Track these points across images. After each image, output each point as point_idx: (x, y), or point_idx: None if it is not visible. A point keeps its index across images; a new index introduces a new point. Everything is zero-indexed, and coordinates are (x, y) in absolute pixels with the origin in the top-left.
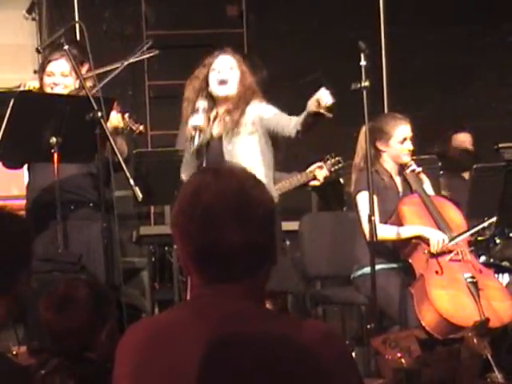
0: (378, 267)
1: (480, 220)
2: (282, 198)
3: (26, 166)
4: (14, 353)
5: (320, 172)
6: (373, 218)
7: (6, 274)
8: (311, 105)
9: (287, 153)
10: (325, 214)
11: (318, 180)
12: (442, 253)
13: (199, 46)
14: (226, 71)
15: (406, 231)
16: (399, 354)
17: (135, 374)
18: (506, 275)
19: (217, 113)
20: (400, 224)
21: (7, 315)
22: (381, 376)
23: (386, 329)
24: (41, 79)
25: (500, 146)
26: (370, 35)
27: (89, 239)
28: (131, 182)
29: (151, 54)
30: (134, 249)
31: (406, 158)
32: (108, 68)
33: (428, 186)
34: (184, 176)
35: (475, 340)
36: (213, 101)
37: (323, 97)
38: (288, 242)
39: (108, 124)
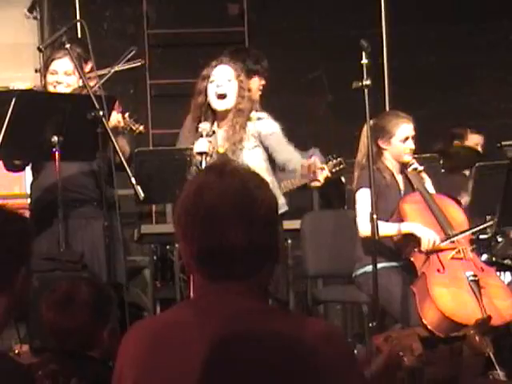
0: (379, 266)
1: (482, 218)
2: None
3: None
4: (16, 352)
5: (321, 173)
6: (374, 216)
7: (4, 272)
8: (304, 173)
9: None
10: (326, 212)
11: (319, 181)
12: (444, 251)
13: (200, 45)
14: (224, 84)
15: (401, 228)
16: (401, 353)
17: (139, 372)
18: (508, 273)
19: (218, 125)
20: (401, 222)
21: (7, 314)
22: None
23: (388, 327)
24: (44, 77)
25: (503, 143)
26: (371, 33)
27: (92, 238)
28: (133, 180)
29: (137, 64)
30: (135, 247)
31: (407, 158)
32: (99, 73)
33: (429, 185)
34: None
35: (477, 338)
36: (213, 112)
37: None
38: (290, 241)
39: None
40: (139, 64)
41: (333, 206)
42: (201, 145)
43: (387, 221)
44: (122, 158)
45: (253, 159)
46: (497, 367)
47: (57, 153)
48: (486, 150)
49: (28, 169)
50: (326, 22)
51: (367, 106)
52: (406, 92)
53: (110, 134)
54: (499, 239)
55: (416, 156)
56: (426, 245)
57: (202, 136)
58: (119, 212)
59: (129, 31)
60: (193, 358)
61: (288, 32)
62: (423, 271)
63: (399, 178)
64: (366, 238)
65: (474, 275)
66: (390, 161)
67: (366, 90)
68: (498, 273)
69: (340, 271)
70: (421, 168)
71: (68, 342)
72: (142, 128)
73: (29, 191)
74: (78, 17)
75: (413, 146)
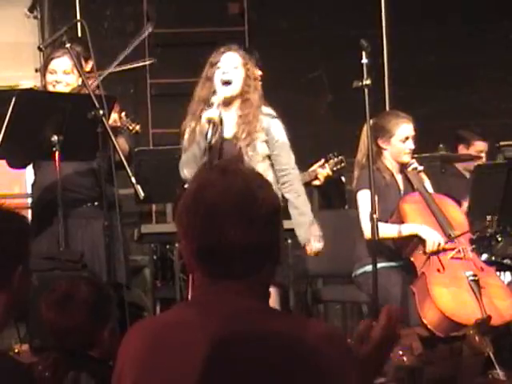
0: (379, 265)
1: (482, 218)
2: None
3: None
4: (16, 351)
5: (321, 171)
6: (374, 216)
7: (2, 271)
8: (303, 241)
9: None
10: (326, 212)
11: (319, 180)
12: (444, 251)
13: (201, 44)
14: (230, 71)
15: (405, 229)
16: (401, 352)
17: (139, 372)
18: (508, 273)
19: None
20: (401, 222)
21: (6, 313)
22: (382, 374)
23: None
24: (43, 76)
25: (502, 143)
26: (371, 33)
27: (92, 237)
28: (133, 180)
29: (147, 63)
30: (135, 247)
31: (407, 158)
32: (110, 70)
33: (428, 185)
34: (187, 173)
35: (477, 338)
36: None
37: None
38: (290, 241)
39: None
40: (150, 62)
41: (333, 205)
42: (211, 112)
43: (387, 221)
44: (123, 158)
45: (261, 151)
46: (496, 367)
47: (57, 152)
48: (487, 154)
49: (28, 168)
50: (326, 22)
51: (367, 106)
52: (406, 92)
53: (110, 133)
54: (499, 239)
55: (416, 156)
56: (431, 247)
57: (212, 105)
58: (119, 212)
59: (129, 30)
60: (193, 358)
61: (288, 32)
62: (423, 271)
63: (399, 178)
64: (371, 240)
65: (474, 275)
66: (389, 161)
67: (366, 90)
68: (497, 273)
69: (340, 271)
70: (420, 168)
71: (68, 341)
72: (138, 128)
73: (29, 191)
74: (78, 16)
75: (413, 146)
